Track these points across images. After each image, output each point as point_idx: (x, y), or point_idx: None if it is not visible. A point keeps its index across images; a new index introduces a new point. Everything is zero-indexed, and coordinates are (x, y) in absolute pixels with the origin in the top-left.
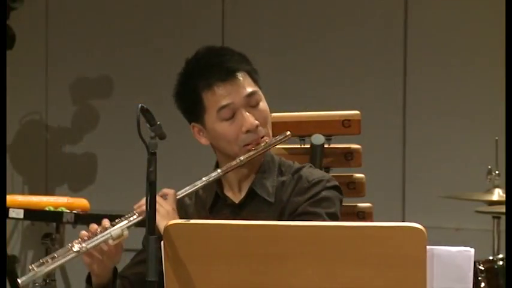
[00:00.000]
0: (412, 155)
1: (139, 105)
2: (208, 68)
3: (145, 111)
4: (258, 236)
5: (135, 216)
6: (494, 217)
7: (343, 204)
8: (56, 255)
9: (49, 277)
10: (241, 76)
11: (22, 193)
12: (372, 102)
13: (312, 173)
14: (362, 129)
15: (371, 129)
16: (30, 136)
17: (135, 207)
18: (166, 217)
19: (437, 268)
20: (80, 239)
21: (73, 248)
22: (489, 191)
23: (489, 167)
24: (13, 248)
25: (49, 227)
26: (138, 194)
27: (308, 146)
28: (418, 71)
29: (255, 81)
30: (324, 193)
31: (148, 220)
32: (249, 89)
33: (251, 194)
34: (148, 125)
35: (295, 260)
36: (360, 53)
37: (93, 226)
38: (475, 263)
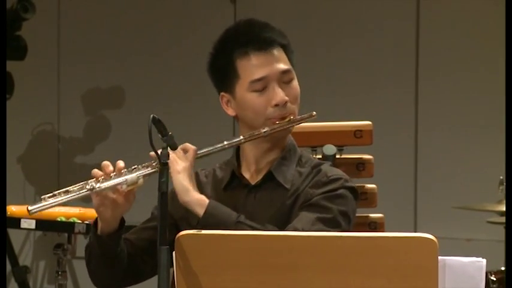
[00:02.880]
0: (423, 166)
1: (151, 115)
2: (246, 37)
3: (157, 122)
4: (269, 246)
5: (154, 165)
6: None
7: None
8: (69, 189)
9: (60, 287)
10: (277, 50)
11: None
12: (383, 113)
13: (332, 170)
14: (374, 139)
15: (383, 140)
16: (42, 146)
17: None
18: (181, 171)
19: (449, 279)
20: (94, 179)
21: (87, 186)
22: (501, 201)
23: (501, 177)
24: (25, 258)
25: (61, 238)
26: (150, 204)
27: (320, 156)
28: (430, 82)
29: (290, 59)
30: (341, 191)
31: (160, 231)
32: (284, 66)
33: (269, 177)
34: (160, 135)
35: (306, 270)
36: (372, 63)
37: (108, 167)
38: (486, 273)
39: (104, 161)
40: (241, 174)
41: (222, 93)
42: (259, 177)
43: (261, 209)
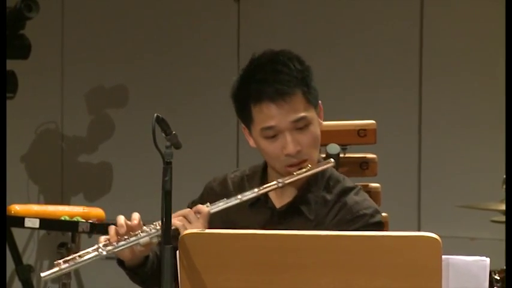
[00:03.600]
0: (427, 165)
1: (155, 114)
2: (261, 83)
3: (160, 121)
4: (273, 245)
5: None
6: None
7: None
8: (82, 253)
9: (64, 286)
10: (293, 99)
11: (38, 202)
12: (387, 112)
13: (358, 202)
14: (377, 138)
15: (386, 139)
16: (45, 145)
17: None
18: None
19: (453, 278)
20: (108, 241)
21: (101, 252)
22: (504, 200)
23: (504, 176)
24: (29, 257)
25: (65, 237)
26: (154, 203)
27: (324, 155)
28: (433, 81)
29: (309, 101)
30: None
31: (164, 230)
32: (298, 115)
33: (293, 205)
34: (163, 134)
35: (310, 269)
36: (376, 62)
37: (122, 227)
38: (490, 272)
39: (107, 161)
40: (267, 196)
41: (243, 126)
42: (285, 201)
43: None
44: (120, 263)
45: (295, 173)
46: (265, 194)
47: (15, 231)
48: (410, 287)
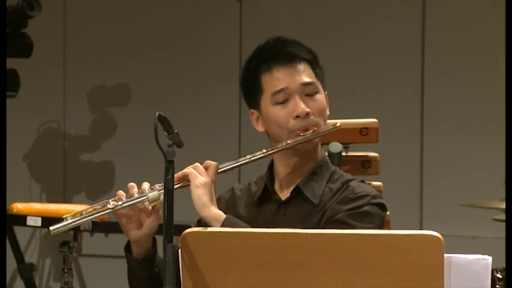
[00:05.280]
0: (429, 163)
1: (157, 113)
2: (270, 52)
3: (162, 119)
4: (275, 244)
5: (176, 181)
6: None
7: None
8: (91, 209)
9: (66, 285)
10: (301, 63)
11: (40, 201)
12: (389, 111)
13: (360, 186)
14: (380, 137)
15: (389, 137)
16: (47, 144)
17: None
18: (200, 186)
19: (455, 276)
20: (116, 197)
21: (108, 205)
22: None
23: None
24: (31, 255)
25: (67, 235)
26: None
27: (325, 153)
28: (435, 80)
29: (316, 74)
30: (367, 208)
31: (166, 228)
32: (307, 79)
33: (297, 192)
34: (165, 133)
35: (312, 268)
36: (378, 61)
37: (133, 188)
38: (492, 271)
39: (109, 159)
40: (273, 189)
41: (251, 110)
42: (289, 192)
43: (290, 224)
44: (129, 254)
45: (301, 134)
46: (272, 188)
47: (17, 230)
48: (412, 285)
